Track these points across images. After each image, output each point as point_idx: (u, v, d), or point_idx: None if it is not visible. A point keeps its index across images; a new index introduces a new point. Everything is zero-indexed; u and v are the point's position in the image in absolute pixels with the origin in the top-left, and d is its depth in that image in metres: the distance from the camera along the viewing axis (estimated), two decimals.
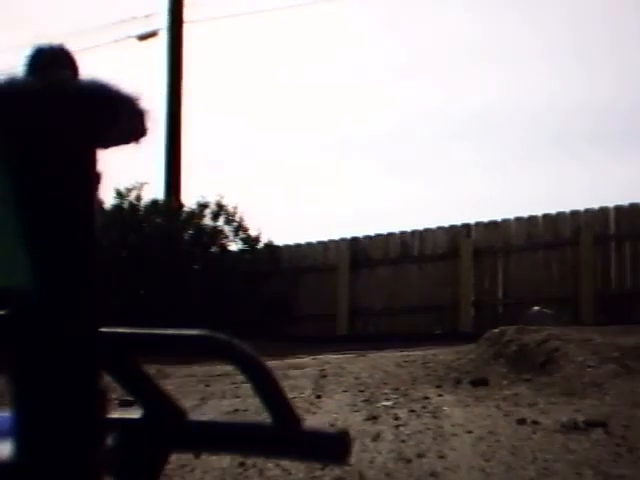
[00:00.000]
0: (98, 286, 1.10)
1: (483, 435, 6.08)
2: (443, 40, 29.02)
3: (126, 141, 1.15)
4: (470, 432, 6.15)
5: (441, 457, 5.78)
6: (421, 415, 6.57)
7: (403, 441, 6.09)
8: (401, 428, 6.32)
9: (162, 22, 18.51)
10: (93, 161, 1.11)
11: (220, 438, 1.35)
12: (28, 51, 1.09)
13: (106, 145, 1.13)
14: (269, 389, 1.25)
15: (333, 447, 1.26)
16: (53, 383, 1.09)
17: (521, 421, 6.24)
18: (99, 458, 1.13)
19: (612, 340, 7.87)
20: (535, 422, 6.21)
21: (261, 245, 15.77)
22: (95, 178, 1.13)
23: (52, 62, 1.10)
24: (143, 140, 1.14)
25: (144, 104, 1.11)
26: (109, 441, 1.22)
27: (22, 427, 1.10)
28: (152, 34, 18.94)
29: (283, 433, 1.25)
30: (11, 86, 1.05)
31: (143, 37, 19.02)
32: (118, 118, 1.11)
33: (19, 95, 1.05)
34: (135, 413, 1.34)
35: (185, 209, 15.75)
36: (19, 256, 1.06)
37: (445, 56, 29.02)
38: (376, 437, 6.03)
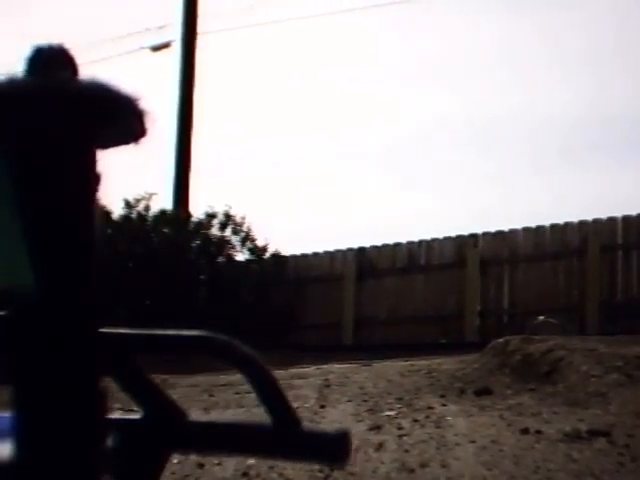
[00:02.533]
0: (98, 286, 1.11)
1: (486, 445, 6.08)
2: (452, 49, 29.04)
3: (125, 142, 1.15)
4: (473, 442, 6.15)
5: (444, 467, 5.79)
6: (424, 425, 6.58)
7: (406, 451, 6.09)
8: (404, 438, 6.33)
9: (176, 33, 18.52)
10: (93, 161, 1.12)
11: (220, 439, 1.35)
12: (27, 51, 1.10)
13: (105, 145, 1.14)
14: (268, 389, 1.26)
15: (333, 448, 1.27)
16: (53, 383, 1.10)
17: (524, 431, 6.24)
18: (99, 459, 1.13)
19: (617, 350, 7.86)
20: (538, 432, 6.22)
21: (268, 255, 15.77)
22: (95, 179, 1.14)
23: (51, 62, 1.11)
24: (142, 141, 1.15)
25: (144, 105, 1.12)
26: (109, 442, 1.22)
27: (22, 428, 1.11)
28: (165, 45, 18.96)
29: (283, 434, 1.25)
30: (10, 86, 1.07)
31: (156, 48, 19.05)
32: (117, 118, 1.11)
33: (18, 95, 1.06)
34: (135, 414, 1.35)
35: (193, 219, 15.77)
36: (18, 256, 1.07)
37: (454, 66, 29.04)
38: (379, 447, 6.04)
